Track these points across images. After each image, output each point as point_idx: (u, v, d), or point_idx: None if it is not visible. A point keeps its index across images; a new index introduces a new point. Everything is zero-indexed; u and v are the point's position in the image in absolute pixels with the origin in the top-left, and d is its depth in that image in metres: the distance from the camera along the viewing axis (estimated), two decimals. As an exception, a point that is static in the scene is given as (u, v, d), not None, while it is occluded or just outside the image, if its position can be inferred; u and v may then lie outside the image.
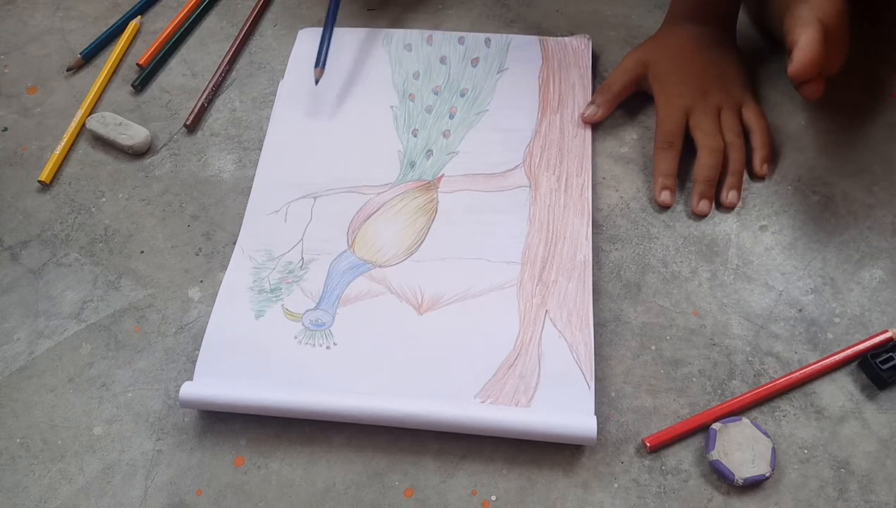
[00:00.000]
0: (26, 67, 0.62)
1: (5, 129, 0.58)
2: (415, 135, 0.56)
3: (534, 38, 0.62)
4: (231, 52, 0.62)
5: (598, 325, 0.48)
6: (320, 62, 0.58)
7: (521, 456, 0.43)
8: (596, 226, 0.52)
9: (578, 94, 0.58)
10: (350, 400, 0.43)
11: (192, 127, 0.58)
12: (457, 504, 0.42)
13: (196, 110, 0.58)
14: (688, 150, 0.54)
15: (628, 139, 0.56)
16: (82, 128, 0.58)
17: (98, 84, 0.60)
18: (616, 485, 0.42)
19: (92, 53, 0.62)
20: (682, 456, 0.43)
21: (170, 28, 0.63)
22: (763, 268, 0.50)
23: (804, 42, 0.44)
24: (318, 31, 0.63)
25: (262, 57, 0.62)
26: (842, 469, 0.43)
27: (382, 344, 0.47)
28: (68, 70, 0.62)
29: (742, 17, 0.59)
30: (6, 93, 0.61)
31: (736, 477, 0.41)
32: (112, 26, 0.64)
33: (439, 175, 0.54)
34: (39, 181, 0.55)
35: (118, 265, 0.51)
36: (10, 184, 0.55)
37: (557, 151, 0.55)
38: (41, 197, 0.55)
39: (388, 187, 0.54)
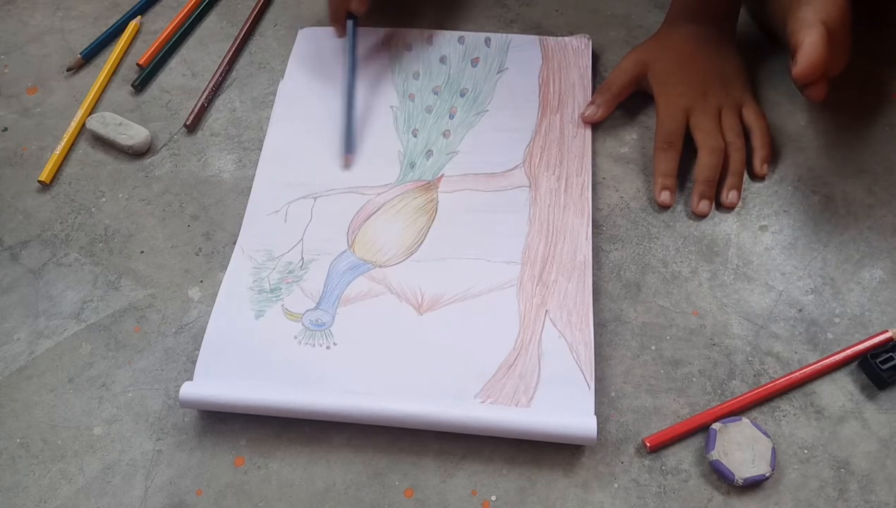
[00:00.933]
0: (26, 67, 0.62)
1: (5, 129, 0.58)
2: (415, 136, 0.56)
3: (534, 38, 0.62)
4: (231, 52, 0.62)
5: (598, 325, 0.48)
6: (351, 147, 0.55)
7: (521, 456, 0.43)
8: (596, 226, 0.52)
9: (578, 94, 0.58)
10: (350, 400, 0.43)
11: (192, 127, 0.58)
12: (457, 504, 0.42)
13: (196, 110, 0.58)
14: (688, 150, 0.54)
15: (628, 139, 0.56)
16: (82, 128, 0.58)
17: (98, 84, 0.60)
18: (616, 485, 0.42)
19: (92, 53, 0.62)
20: (682, 456, 0.43)
21: (170, 28, 0.63)
22: (763, 268, 0.50)
23: (808, 44, 0.44)
24: (319, 30, 0.63)
25: (262, 57, 0.62)
26: (842, 469, 0.43)
27: (382, 344, 0.47)
28: (68, 70, 0.62)
29: (742, 17, 0.59)
30: (6, 93, 0.61)
31: (736, 477, 0.41)
32: (112, 26, 0.64)
33: (439, 175, 0.54)
34: (39, 181, 0.55)
35: (118, 265, 0.51)
36: (10, 184, 0.55)
37: (557, 151, 0.55)
38: (41, 197, 0.55)
39: (388, 187, 0.54)
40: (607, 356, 0.47)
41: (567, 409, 0.43)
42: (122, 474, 0.43)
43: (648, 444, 0.43)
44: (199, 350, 0.46)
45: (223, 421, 0.45)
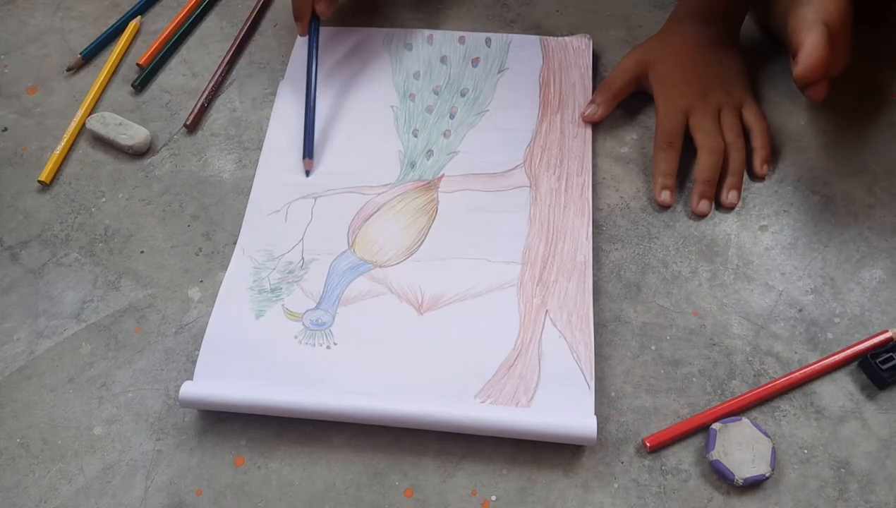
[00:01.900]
0: (26, 67, 0.62)
1: (5, 129, 0.58)
2: (415, 135, 0.56)
3: (534, 38, 0.62)
4: (231, 52, 0.62)
5: (598, 325, 0.48)
6: (309, 152, 0.54)
7: (521, 456, 0.43)
8: (596, 226, 0.52)
9: (579, 94, 0.58)
10: (350, 400, 0.43)
11: (192, 127, 0.58)
12: (457, 504, 0.42)
13: (196, 110, 0.58)
14: (688, 150, 0.54)
15: (628, 139, 0.56)
16: (82, 128, 0.58)
17: (98, 84, 0.60)
18: (616, 485, 0.42)
19: (92, 53, 0.62)
20: (682, 456, 0.43)
21: (170, 28, 0.63)
22: (763, 268, 0.50)
23: (809, 44, 0.44)
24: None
25: (262, 57, 0.62)
26: (842, 469, 0.43)
27: (382, 344, 0.47)
28: (68, 70, 0.62)
29: (742, 17, 0.59)
30: (6, 93, 0.61)
31: (736, 477, 0.41)
32: (112, 26, 0.64)
33: (440, 175, 0.54)
34: (39, 181, 0.55)
35: (118, 265, 0.51)
36: (10, 184, 0.55)
37: (558, 151, 0.55)
38: (41, 197, 0.55)
39: (388, 187, 0.54)
40: (607, 356, 0.47)
41: (567, 409, 0.43)
42: (122, 474, 0.43)
43: (648, 444, 0.43)
44: (199, 350, 0.46)
45: (223, 421, 0.45)
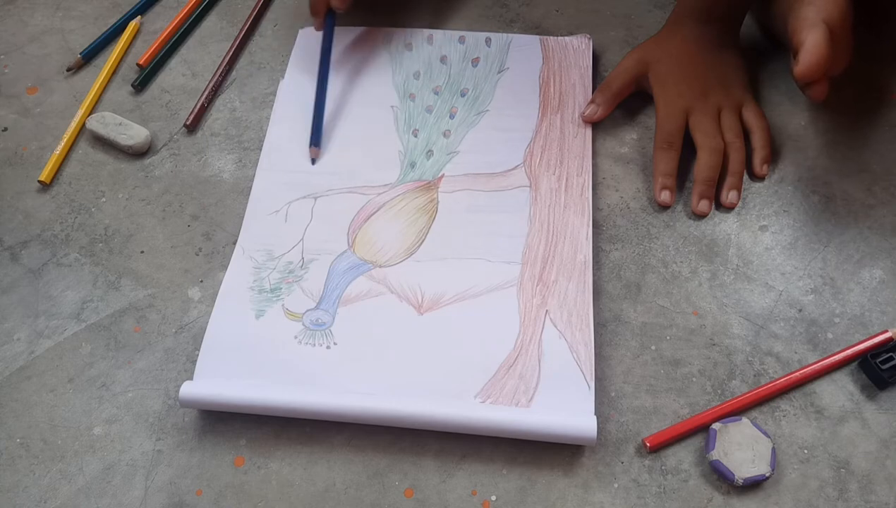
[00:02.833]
0: (26, 67, 0.62)
1: (5, 129, 0.58)
2: (415, 136, 0.56)
3: (534, 38, 0.62)
4: (231, 52, 0.62)
5: (598, 325, 0.48)
6: (317, 141, 0.55)
7: (521, 456, 0.43)
8: (596, 226, 0.52)
9: (579, 94, 0.58)
10: (350, 400, 0.43)
11: (192, 127, 0.58)
12: (457, 504, 0.42)
13: (196, 110, 0.58)
14: (688, 150, 0.54)
15: (628, 139, 0.56)
16: (82, 128, 0.58)
17: (98, 84, 0.60)
18: (616, 485, 0.42)
19: (92, 53, 0.62)
20: (682, 456, 0.43)
21: (170, 28, 0.63)
22: (763, 268, 0.50)
23: (810, 43, 0.44)
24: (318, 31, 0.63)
25: (262, 57, 0.62)
26: (842, 469, 0.43)
27: (382, 344, 0.47)
28: (68, 70, 0.62)
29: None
30: (6, 94, 0.61)
31: (736, 477, 0.41)
32: (112, 26, 0.64)
33: (440, 175, 0.54)
34: (39, 181, 0.55)
35: (118, 265, 0.51)
36: (10, 184, 0.55)
37: (558, 151, 0.55)
38: (41, 197, 0.55)
39: (388, 187, 0.54)
40: (607, 356, 0.47)
41: (567, 409, 0.43)
42: (122, 474, 0.43)
43: (648, 444, 0.43)
44: (199, 350, 0.46)
45: (223, 421, 0.45)
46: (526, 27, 0.63)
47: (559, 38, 0.62)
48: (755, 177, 0.54)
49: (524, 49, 0.61)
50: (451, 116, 0.57)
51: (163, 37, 0.63)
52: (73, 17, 0.66)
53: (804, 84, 0.46)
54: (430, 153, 0.55)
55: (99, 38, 0.63)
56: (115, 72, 0.62)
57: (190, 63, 0.62)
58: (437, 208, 0.53)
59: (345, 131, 0.57)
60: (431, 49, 0.62)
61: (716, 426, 0.43)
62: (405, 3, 0.65)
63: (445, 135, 0.56)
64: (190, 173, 0.56)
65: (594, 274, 0.49)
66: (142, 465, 0.44)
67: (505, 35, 0.62)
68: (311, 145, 0.55)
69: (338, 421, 0.44)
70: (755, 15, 0.61)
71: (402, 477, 0.43)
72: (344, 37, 0.62)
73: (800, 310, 0.48)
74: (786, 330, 0.47)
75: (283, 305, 0.48)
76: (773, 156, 0.55)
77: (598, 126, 0.57)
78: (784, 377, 0.45)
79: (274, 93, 0.59)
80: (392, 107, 0.58)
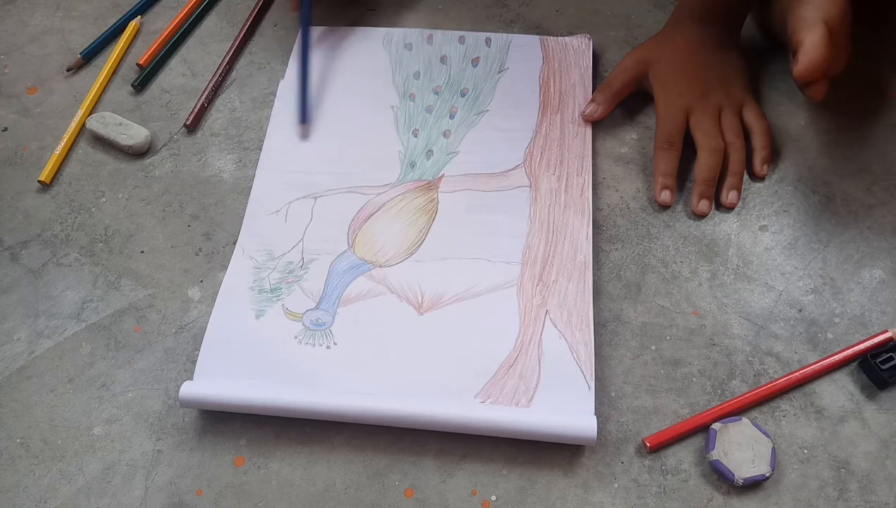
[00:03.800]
0: (26, 67, 0.62)
1: (5, 129, 0.58)
2: (415, 135, 0.56)
3: (534, 38, 0.62)
4: (231, 52, 0.62)
5: (598, 325, 0.48)
6: (305, 118, 0.56)
7: (521, 456, 0.43)
8: (596, 226, 0.52)
9: (579, 94, 0.58)
10: (350, 400, 0.43)
11: (192, 127, 0.58)
12: (457, 504, 0.42)
13: (196, 110, 0.58)
14: (688, 150, 0.54)
15: (628, 139, 0.56)
16: (82, 128, 0.58)
17: (98, 84, 0.60)
18: (616, 485, 0.42)
19: (92, 53, 0.62)
20: (682, 456, 0.43)
21: (170, 28, 0.63)
22: (763, 268, 0.50)
23: (810, 43, 0.44)
24: (319, 30, 0.63)
25: (262, 57, 0.62)
26: (842, 469, 0.43)
27: (382, 344, 0.47)
28: (68, 70, 0.62)
29: (743, 17, 0.59)
30: (6, 94, 0.61)
31: (736, 477, 0.41)
32: (112, 26, 0.64)
33: (440, 175, 0.54)
34: (39, 181, 0.55)
35: (118, 265, 0.51)
36: (10, 184, 0.55)
37: (558, 151, 0.55)
38: (41, 197, 0.55)
39: (388, 187, 0.54)
40: (607, 356, 0.47)
41: (567, 409, 0.43)
42: (122, 474, 0.43)
43: (648, 444, 0.43)
44: (199, 350, 0.46)
45: (223, 421, 0.45)
46: (526, 27, 0.63)
47: (559, 38, 0.62)
48: (755, 178, 0.54)
49: (524, 49, 0.61)
50: (451, 116, 0.57)
51: (163, 37, 0.63)
52: (73, 17, 0.66)
53: (803, 84, 0.46)
54: (430, 153, 0.55)
55: (99, 38, 0.63)
56: (115, 72, 0.62)
57: (190, 63, 0.62)
58: (437, 208, 0.53)
59: (345, 131, 0.57)
60: (431, 49, 0.62)
61: (716, 426, 0.43)
62: (405, 4, 0.65)
63: (445, 135, 0.56)
64: (190, 173, 0.56)
65: (594, 274, 0.49)
66: (142, 465, 0.44)
67: (505, 35, 0.62)
68: (299, 122, 0.55)
69: (338, 421, 0.44)
70: (755, 15, 0.61)
71: (402, 477, 0.43)
72: (344, 37, 0.62)
73: (800, 310, 0.48)
74: (786, 330, 0.47)
75: (283, 305, 0.48)
76: (773, 156, 0.55)
77: (598, 126, 0.57)
78: (784, 377, 0.45)
79: (274, 93, 0.59)
80: (392, 107, 0.58)
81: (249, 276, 0.50)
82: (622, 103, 0.57)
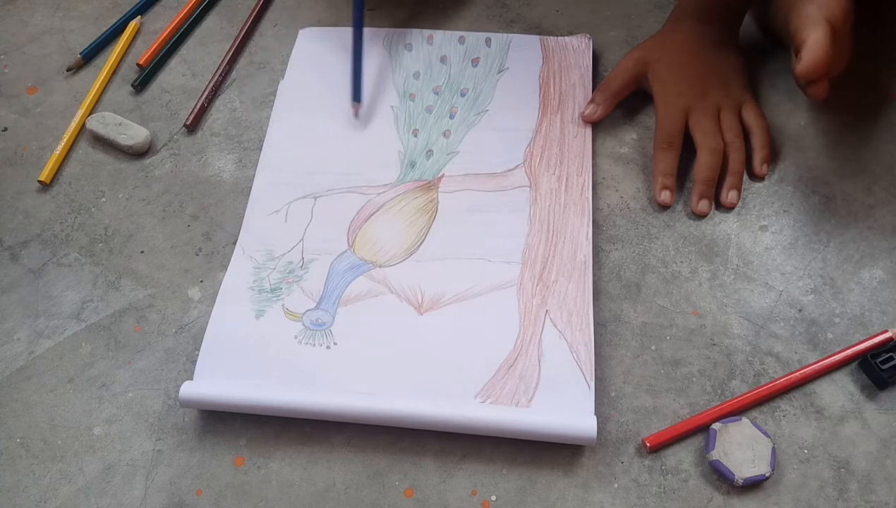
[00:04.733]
0: (26, 67, 0.62)
1: (5, 129, 0.58)
2: (415, 135, 0.56)
3: (534, 38, 0.62)
4: (231, 52, 0.62)
5: (598, 325, 0.48)
6: (357, 96, 0.57)
7: (521, 456, 0.43)
8: (596, 226, 0.52)
9: (579, 94, 0.58)
10: (350, 400, 0.43)
11: (192, 127, 0.58)
12: (457, 504, 0.42)
13: (196, 110, 0.58)
14: (688, 150, 0.54)
15: (628, 139, 0.56)
16: (82, 128, 0.58)
17: (98, 84, 0.60)
18: (616, 485, 0.42)
19: (92, 53, 0.62)
20: (682, 456, 0.43)
21: (170, 28, 0.63)
22: (763, 268, 0.50)
23: (812, 42, 0.44)
24: (319, 30, 0.63)
25: (262, 57, 0.62)
26: (842, 469, 0.43)
27: (382, 344, 0.47)
28: (68, 70, 0.62)
29: (743, 17, 0.59)
30: (6, 94, 0.61)
31: (736, 477, 0.41)
32: (112, 26, 0.64)
33: (440, 175, 0.54)
34: (39, 181, 0.55)
35: (118, 265, 0.51)
36: (10, 184, 0.55)
37: (558, 151, 0.55)
38: (41, 197, 0.55)
39: (388, 187, 0.54)
40: (607, 356, 0.47)
41: (567, 409, 0.43)
42: (122, 474, 0.43)
43: (648, 444, 0.43)
44: (199, 350, 0.46)
45: (223, 421, 0.45)
46: (526, 27, 0.63)
47: (559, 38, 0.62)
48: (755, 177, 0.54)
49: (524, 49, 0.61)
50: (451, 116, 0.57)
51: (163, 37, 0.63)
52: (73, 17, 0.66)
53: (805, 83, 0.46)
54: (430, 153, 0.55)
55: (99, 38, 0.63)
56: (115, 72, 0.62)
57: (190, 63, 0.62)
58: (437, 208, 0.53)
59: (345, 131, 0.57)
60: (431, 49, 0.62)
61: (716, 426, 0.43)
62: (405, 4, 0.65)
63: (445, 135, 0.56)
64: (190, 173, 0.56)
65: (594, 274, 0.49)
66: (142, 465, 0.44)
67: (505, 35, 0.62)
68: (353, 101, 0.57)
69: (338, 421, 0.44)
70: (755, 14, 0.61)
71: (402, 477, 0.43)
72: (344, 37, 0.62)
73: (800, 310, 0.48)
74: (786, 330, 0.47)
75: (283, 305, 0.48)
76: (773, 156, 0.55)
77: (598, 126, 0.57)
78: (784, 377, 0.45)
79: (274, 93, 0.59)
80: (392, 107, 0.58)
81: (249, 276, 0.50)
82: (622, 103, 0.57)
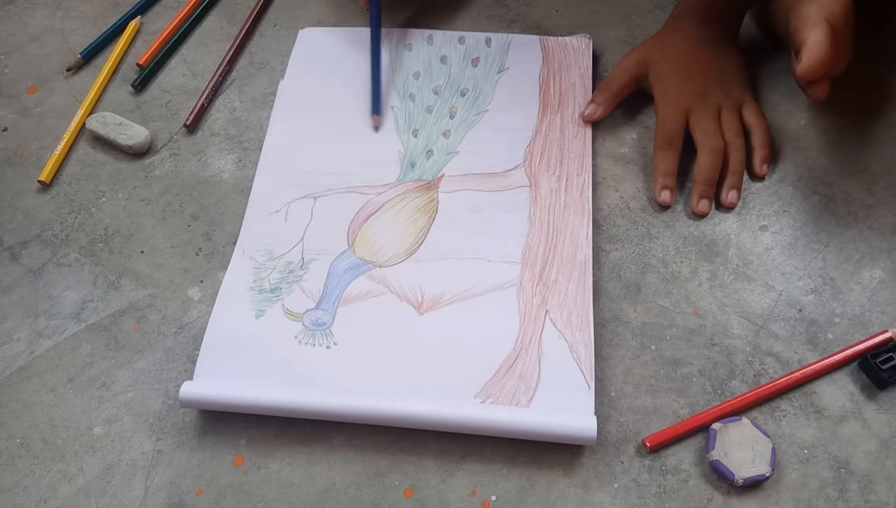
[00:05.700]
0: (26, 67, 0.62)
1: (5, 129, 0.58)
2: (415, 136, 0.56)
3: (534, 38, 0.62)
4: (231, 52, 0.62)
5: (598, 325, 0.48)
6: (377, 109, 0.57)
7: (521, 456, 0.43)
8: (596, 226, 0.52)
9: (579, 94, 0.58)
10: (350, 400, 0.43)
11: (192, 127, 0.58)
12: (457, 504, 0.42)
13: (196, 110, 0.58)
14: (688, 150, 0.54)
15: (628, 139, 0.56)
16: (82, 128, 0.58)
17: (98, 84, 0.60)
18: (616, 485, 0.42)
19: (92, 53, 0.62)
20: (682, 456, 0.43)
21: (170, 28, 0.63)
22: (763, 268, 0.50)
23: (813, 42, 0.44)
24: (319, 30, 0.63)
25: (262, 57, 0.62)
26: (842, 469, 0.43)
27: (382, 344, 0.47)
28: (68, 70, 0.62)
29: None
30: (6, 94, 0.61)
31: (736, 477, 0.41)
32: (112, 26, 0.64)
33: (440, 175, 0.54)
34: (39, 181, 0.55)
35: (118, 265, 0.51)
36: (10, 184, 0.55)
37: (558, 151, 0.55)
38: (41, 197, 0.55)
39: (388, 187, 0.54)
40: (607, 356, 0.47)
41: (567, 409, 0.43)
42: (122, 474, 0.43)
43: (648, 444, 0.43)
44: (199, 350, 0.46)
45: (223, 421, 0.45)
46: (526, 27, 0.63)
47: (559, 38, 0.62)
48: (755, 177, 0.54)
49: (524, 49, 0.61)
50: (451, 116, 0.57)
51: (163, 37, 0.63)
52: (73, 17, 0.66)
53: (806, 83, 0.46)
54: (430, 153, 0.55)
55: (99, 38, 0.63)
56: (115, 72, 0.62)
57: (190, 63, 0.62)
58: (436, 208, 0.53)
59: (345, 131, 0.57)
60: (431, 49, 0.62)
61: (716, 426, 0.43)
62: (405, 4, 0.65)
63: (445, 135, 0.56)
64: (190, 173, 0.56)
65: (594, 274, 0.49)
66: (142, 465, 0.44)
67: (505, 35, 0.62)
68: (372, 114, 0.57)
69: (338, 421, 0.44)
70: (755, 14, 0.61)
71: (402, 477, 0.43)
72: (344, 37, 0.62)
73: (800, 310, 0.48)
74: (786, 330, 0.47)
75: (283, 305, 0.48)
76: (773, 156, 0.55)
77: (598, 126, 0.57)
78: (784, 377, 0.45)
79: (274, 93, 0.59)
80: (392, 107, 0.58)
81: (249, 276, 0.50)
82: (622, 103, 0.57)
